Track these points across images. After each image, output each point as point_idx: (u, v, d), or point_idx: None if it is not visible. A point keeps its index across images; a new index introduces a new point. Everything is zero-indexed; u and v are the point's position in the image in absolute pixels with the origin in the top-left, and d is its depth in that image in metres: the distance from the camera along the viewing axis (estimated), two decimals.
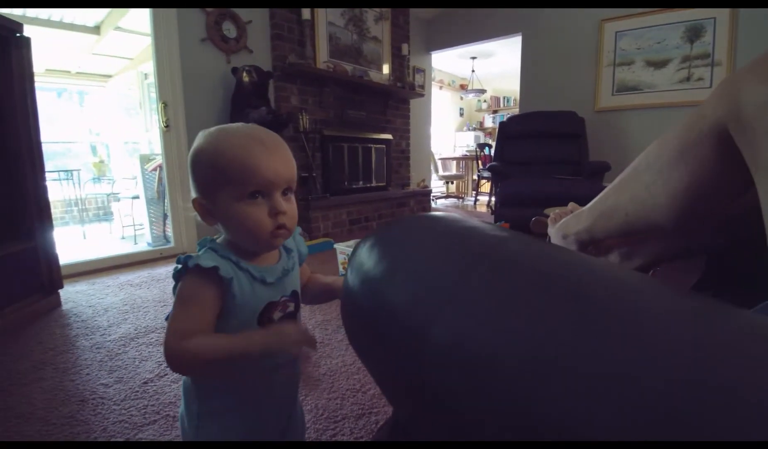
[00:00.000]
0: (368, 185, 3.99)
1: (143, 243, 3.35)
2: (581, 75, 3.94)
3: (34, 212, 1.72)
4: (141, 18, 3.37)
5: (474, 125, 8.44)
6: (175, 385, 1.16)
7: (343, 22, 3.62)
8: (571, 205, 0.87)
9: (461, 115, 8.47)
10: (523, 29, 4.22)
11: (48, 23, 3.69)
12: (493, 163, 3.67)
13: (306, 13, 3.16)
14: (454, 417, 0.25)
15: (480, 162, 5.85)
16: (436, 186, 6.65)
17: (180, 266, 0.50)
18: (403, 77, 4.29)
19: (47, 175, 1.81)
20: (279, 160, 0.50)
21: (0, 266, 1.58)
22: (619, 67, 3.73)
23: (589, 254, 0.54)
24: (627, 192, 0.57)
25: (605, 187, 0.63)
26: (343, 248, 2.12)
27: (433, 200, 5.54)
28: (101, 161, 5.01)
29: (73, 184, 4.31)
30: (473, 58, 6.45)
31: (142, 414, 1.02)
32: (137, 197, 3.49)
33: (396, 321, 0.30)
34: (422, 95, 4.59)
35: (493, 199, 4.57)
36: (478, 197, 6.05)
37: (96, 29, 4.00)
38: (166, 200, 2.90)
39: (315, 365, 1.25)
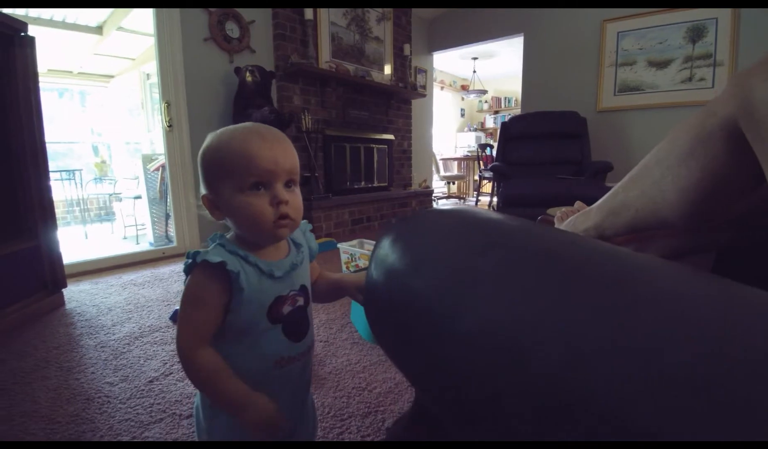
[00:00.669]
0: (370, 186, 3.99)
1: (145, 243, 3.36)
2: (583, 75, 3.94)
3: (38, 211, 1.72)
4: (144, 18, 3.38)
5: (475, 126, 8.44)
6: (180, 383, 1.16)
7: (346, 22, 3.62)
8: (578, 204, 0.87)
9: (462, 115, 8.47)
10: (525, 29, 4.22)
11: (50, 23, 3.69)
12: (496, 163, 3.67)
13: (309, 13, 3.16)
14: (483, 400, 0.25)
15: (481, 163, 5.84)
16: (438, 187, 6.65)
17: (190, 260, 0.51)
18: (405, 78, 4.29)
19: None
20: (278, 150, 0.51)
21: (4, 264, 1.59)
22: (621, 67, 3.73)
23: None
24: (636, 189, 0.57)
25: (608, 187, 0.63)
26: (346, 248, 2.12)
27: (434, 200, 5.54)
28: (103, 162, 5.02)
29: (75, 184, 4.32)
30: (474, 58, 6.46)
31: (149, 413, 1.02)
32: (139, 197, 3.49)
33: (424, 311, 0.30)
34: (424, 96, 4.59)
35: (494, 199, 4.57)
36: (480, 198, 6.05)
37: (98, 29, 4.00)
38: (168, 200, 2.90)
39: (320, 363, 1.26)
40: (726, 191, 0.48)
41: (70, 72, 4.81)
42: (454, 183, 7.14)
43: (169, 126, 2.66)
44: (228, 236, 0.55)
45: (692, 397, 0.18)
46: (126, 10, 3.56)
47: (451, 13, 4.78)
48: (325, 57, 3.42)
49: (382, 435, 0.92)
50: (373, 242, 2.23)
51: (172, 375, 1.21)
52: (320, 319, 1.60)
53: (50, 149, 1.82)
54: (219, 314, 0.51)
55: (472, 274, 0.28)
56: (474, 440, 0.28)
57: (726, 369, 0.18)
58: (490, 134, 8.11)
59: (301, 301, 0.57)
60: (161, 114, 2.66)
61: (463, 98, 8.22)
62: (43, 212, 1.75)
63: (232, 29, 2.90)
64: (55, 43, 4.01)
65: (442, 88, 7.48)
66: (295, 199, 0.53)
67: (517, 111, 6.02)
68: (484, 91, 7.05)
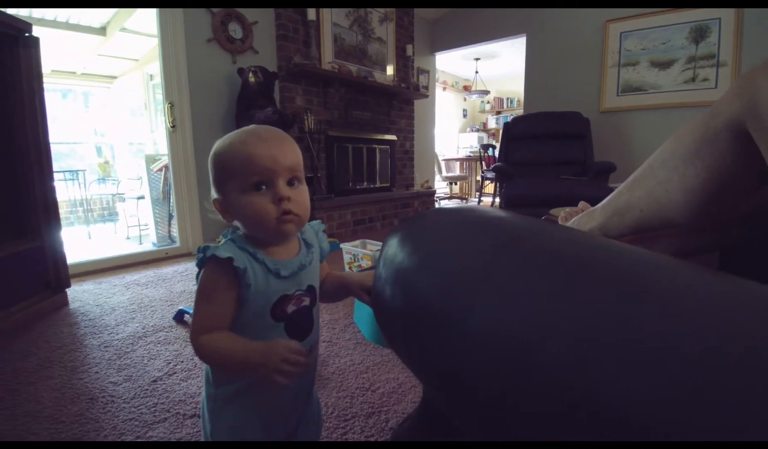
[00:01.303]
0: (372, 186, 3.99)
1: (148, 243, 3.37)
2: (586, 76, 3.93)
3: (42, 211, 1.73)
4: (147, 19, 3.39)
5: (477, 126, 8.44)
6: (184, 383, 1.16)
7: (348, 22, 3.63)
8: (582, 204, 0.87)
9: (464, 116, 8.47)
10: (528, 30, 4.22)
11: (54, 24, 3.71)
12: (498, 163, 3.67)
13: (311, 13, 3.17)
14: (491, 397, 0.25)
15: (484, 163, 5.84)
16: (440, 187, 6.65)
17: (201, 255, 0.52)
18: (408, 78, 4.30)
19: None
20: (276, 148, 0.52)
21: (8, 264, 1.59)
22: (623, 67, 3.72)
23: None
24: (641, 189, 0.57)
25: (611, 187, 0.63)
26: (348, 248, 2.12)
27: (437, 201, 5.53)
28: (106, 162, 5.03)
29: (79, 184, 4.34)
30: (477, 59, 6.46)
31: (152, 412, 1.03)
32: (142, 198, 3.50)
33: (432, 310, 0.30)
34: (426, 96, 4.59)
35: (497, 200, 4.56)
36: (482, 198, 6.04)
37: (102, 30, 4.02)
38: (171, 200, 2.91)
39: (324, 364, 1.26)
40: (732, 190, 0.48)
41: (74, 73, 4.83)
42: (456, 184, 7.14)
43: (173, 127, 2.67)
44: (239, 233, 0.56)
45: (697, 397, 0.18)
46: (129, 10, 3.57)
47: (453, 13, 4.78)
48: (327, 58, 3.42)
49: (386, 436, 0.92)
50: (376, 243, 2.24)
51: (176, 374, 1.21)
52: (323, 319, 1.60)
53: (54, 149, 1.82)
54: (230, 307, 0.52)
55: (481, 274, 0.28)
56: (482, 439, 0.28)
57: (732, 369, 0.18)
58: (492, 134, 8.11)
59: (307, 301, 0.58)
60: (164, 114, 2.67)
61: (465, 99, 8.21)
62: (47, 213, 1.75)
63: (235, 30, 2.91)
64: (59, 44, 4.03)
65: (444, 88, 7.48)
66: (298, 195, 0.54)
67: (520, 112, 6.01)
68: (487, 92, 7.05)
